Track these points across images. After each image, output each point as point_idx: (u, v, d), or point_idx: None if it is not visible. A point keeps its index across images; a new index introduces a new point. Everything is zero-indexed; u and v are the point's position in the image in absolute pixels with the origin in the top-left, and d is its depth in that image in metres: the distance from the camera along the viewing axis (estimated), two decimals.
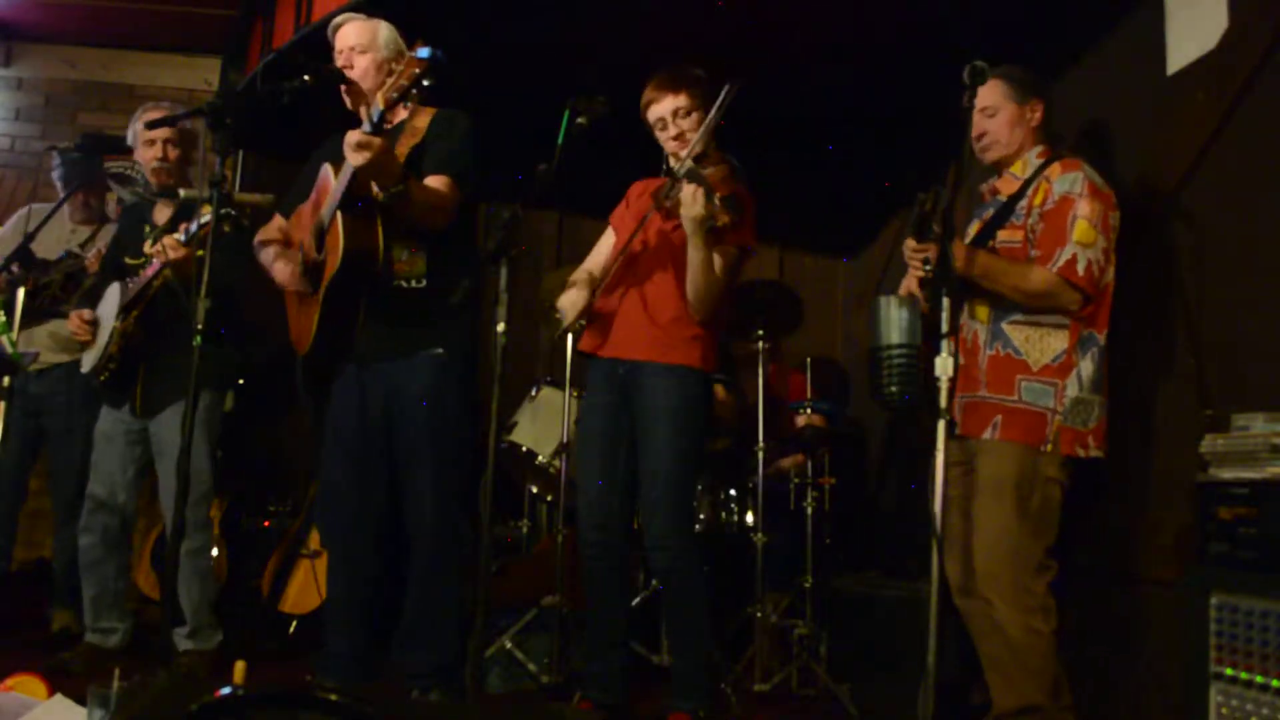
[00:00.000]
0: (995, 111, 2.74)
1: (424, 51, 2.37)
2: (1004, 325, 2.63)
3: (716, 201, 2.56)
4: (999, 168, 2.80)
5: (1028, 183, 2.69)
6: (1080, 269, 2.51)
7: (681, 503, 2.78)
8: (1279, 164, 2.47)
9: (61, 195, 3.79)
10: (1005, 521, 2.51)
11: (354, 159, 2.48)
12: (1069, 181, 2.59)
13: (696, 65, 2.84)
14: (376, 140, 2.47)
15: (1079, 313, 2.56)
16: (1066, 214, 2.56)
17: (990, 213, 2.79)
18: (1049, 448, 2.53)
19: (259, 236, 3.00)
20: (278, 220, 3.01)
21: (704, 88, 2.78)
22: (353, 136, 2.47)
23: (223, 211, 2.58)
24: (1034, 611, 2.47)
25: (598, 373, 2.91)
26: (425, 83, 2.39)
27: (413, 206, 2.65)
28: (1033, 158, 2.74)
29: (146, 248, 3.37)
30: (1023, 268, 2.58)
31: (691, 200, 2.58)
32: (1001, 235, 2.69)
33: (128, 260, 3.48)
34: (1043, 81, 2.79)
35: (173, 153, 3.48)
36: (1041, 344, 2.59)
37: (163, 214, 3.52)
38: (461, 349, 2.83)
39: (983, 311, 2.67)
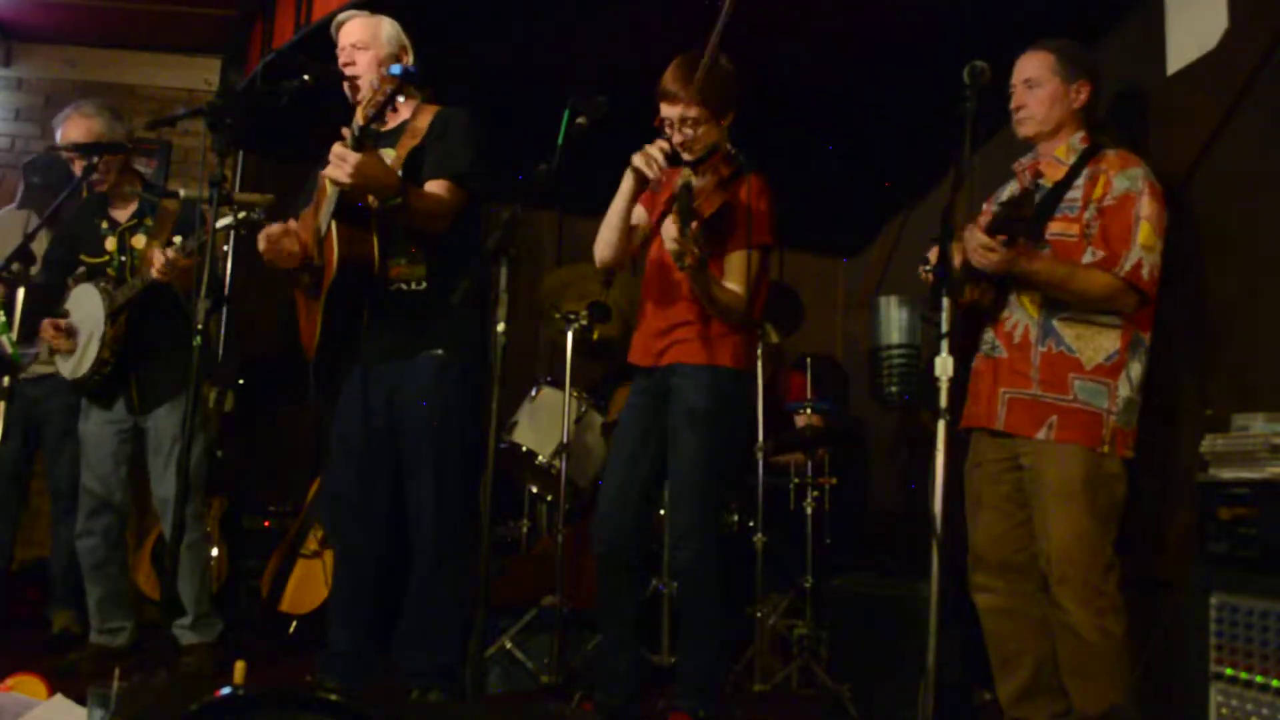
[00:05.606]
0: (1038, 84, 2.60)
1: (395, 68, 2.48)
2: (1055, 321, 2.53)
3: (690, 234, 2.45)
4: (1035, 144, 2.68)
5: (1075, 170, 2.58)
6: (1145, 274, 2.44)
7: (703, 502, 2.75)
8: (1279, 164, 2.47)
9: (55, 199, 3.75)
10: (1077, 524, 2.43)
11: (336, 178, 2.50)
12: (1130, 178, 2.49)
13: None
14: (353, 156, 2.47)
15: (1134, 315, 2.50)
16: (1129, 213, 2.47)
17: (1036, 196, 2.62)
18: (1106, 448, 2.46)
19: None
20: (290, 224, 3.00)
21: (721, 94, 2.70)
22: (336, 151, 2.48)
23: (240, 216, 2.74)
24: (1106, 613, 2.40)
25: (637, 380, 2.92)
26: (400, 99, 2.52)
27: (412, 216, 2.67)
28: (1076, 142, 2.61)
29: (144, 253, 3.33)
30: (1086, 274, 2.47)
31: (667, 235, 2.56)
32: (1054, 227, 2.56)
33: (85, 258, 3.43)
34: (1096, 63, 2.66)
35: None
36: (1094, 342, 2.50)
37: (123, 211, 3.47)
38: (464, 349, 2.83)
39: (1032, 306, 2.57)
